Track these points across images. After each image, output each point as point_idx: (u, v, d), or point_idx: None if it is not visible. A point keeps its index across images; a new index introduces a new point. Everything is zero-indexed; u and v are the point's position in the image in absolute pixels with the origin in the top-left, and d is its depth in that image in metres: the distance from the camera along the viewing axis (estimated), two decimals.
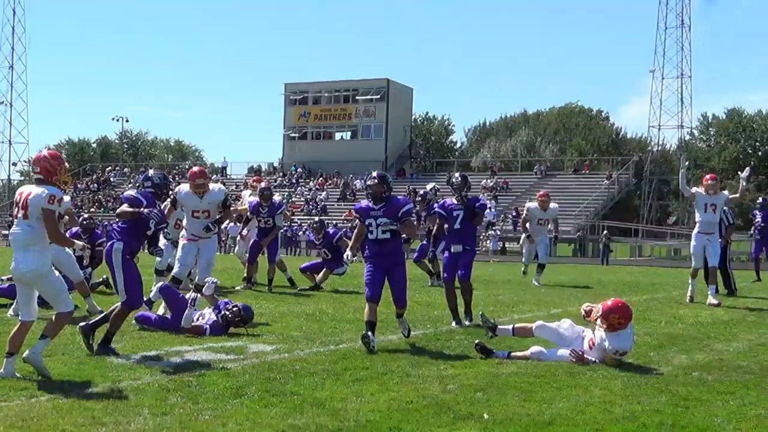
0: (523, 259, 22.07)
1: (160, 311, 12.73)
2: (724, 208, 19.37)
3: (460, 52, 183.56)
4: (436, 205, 13.74)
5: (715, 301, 16.55)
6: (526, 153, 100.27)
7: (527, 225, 22.19)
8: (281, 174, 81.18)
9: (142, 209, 10.35)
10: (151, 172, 11.62)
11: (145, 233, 10.58)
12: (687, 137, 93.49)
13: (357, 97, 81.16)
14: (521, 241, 21.68)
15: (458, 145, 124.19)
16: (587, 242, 62.68)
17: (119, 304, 10.43)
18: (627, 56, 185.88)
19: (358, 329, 12.21)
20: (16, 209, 8.59)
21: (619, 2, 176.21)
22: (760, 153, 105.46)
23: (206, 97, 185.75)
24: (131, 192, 11.14)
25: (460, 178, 13.50)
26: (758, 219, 25.23)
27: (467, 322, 13.19)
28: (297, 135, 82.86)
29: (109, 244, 10.72)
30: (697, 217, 16.31)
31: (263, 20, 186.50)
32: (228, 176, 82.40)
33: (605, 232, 51.98)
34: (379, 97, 79.85)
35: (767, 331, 13.05)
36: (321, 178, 77.17)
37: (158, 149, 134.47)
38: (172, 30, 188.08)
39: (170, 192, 12.59)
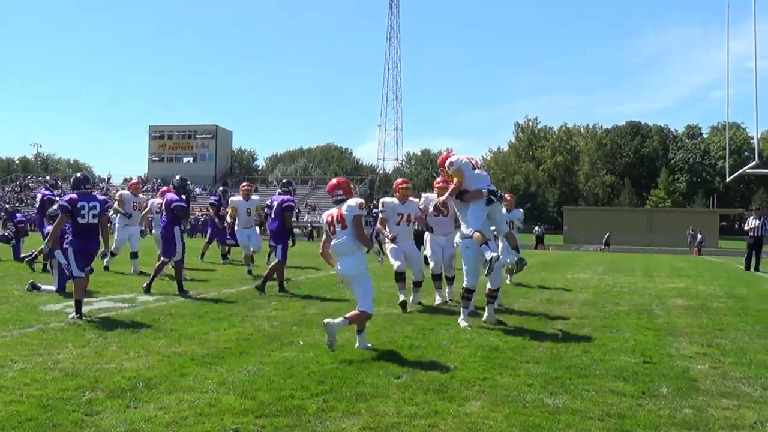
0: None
1: None
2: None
3: (261, 107, 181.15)
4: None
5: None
6: (302, 173, 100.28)
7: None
8: (147, 184, 78.21)
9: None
10: (176, 178, 11.32)
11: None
12: (399, 166, 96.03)
13: (197, 136, 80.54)
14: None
15: (260, 166, 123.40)
16: None
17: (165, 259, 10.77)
18: (364, 115, 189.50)
19: (209, 286, 11.60)
20: None
21: (363, 83, 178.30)
22: (439, 177, 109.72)
23: (94, 130, 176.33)
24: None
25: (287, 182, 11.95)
26: None
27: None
28: (157, 158, 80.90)
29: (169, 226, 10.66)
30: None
31: (136, 79, 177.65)
32: (111, 184, 78.89)
33: None
34: (210, 136, 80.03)
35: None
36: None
37: (62, 165, 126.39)
38: (71, 80, 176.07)
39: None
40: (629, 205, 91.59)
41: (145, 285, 10.60)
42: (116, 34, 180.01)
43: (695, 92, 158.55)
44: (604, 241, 46.34)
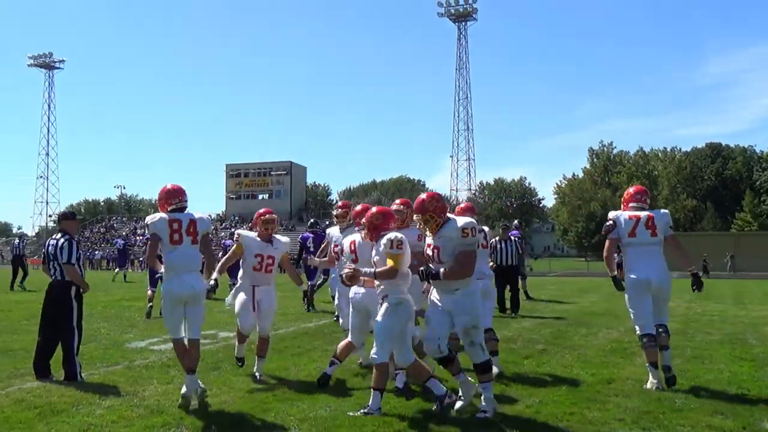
0: None
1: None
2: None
3: (334, 142, 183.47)
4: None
5: None
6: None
7: None
8: (225, 221, 79.97)
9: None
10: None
11: None
12: (472, 196, 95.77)
13: (272, 173, 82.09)
14: None
15: (335, 201, 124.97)
16: None
17: None
18: (435, 146, 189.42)
19: (287, 320, 11.66)
20: None
21: (433, 114, 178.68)
22: (514, 205, 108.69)
23: (173, 170, 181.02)
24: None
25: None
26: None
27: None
28: (234, 196, 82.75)
29: None
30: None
31: (212, 118, 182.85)
32: None
33: None
34: (285, 172, 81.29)
35: (538, 320, 12.85)
36: (250, 223, 76.47)
37: (144, 205, 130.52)
38: (150, 122, 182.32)
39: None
40: (713, 229, 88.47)
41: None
42: (193, 76, 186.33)
43: None
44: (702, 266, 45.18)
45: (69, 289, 6.92)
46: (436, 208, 5.50)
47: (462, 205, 7.68)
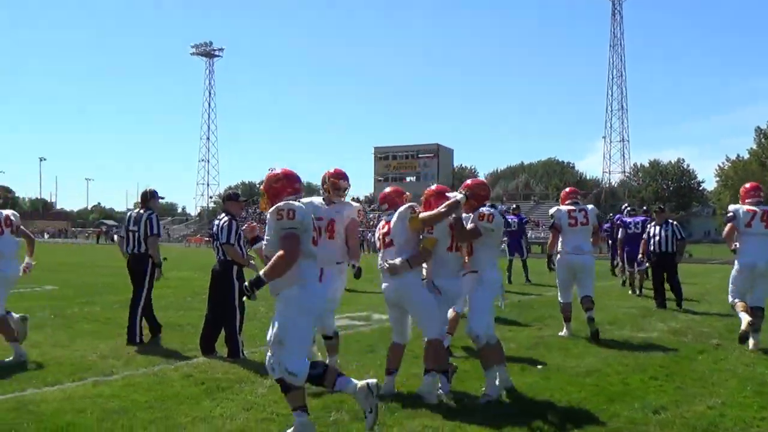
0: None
1: None
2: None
3: (482, 123, 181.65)
4: None
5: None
6: (524, 188, 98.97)
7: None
8: (373, 203, 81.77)
9: None
10: None
11: None
12: (626, 179, 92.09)
13: (419, 155, 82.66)
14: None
15: None
16: None
17: None
18: (587, 127, 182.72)
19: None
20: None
21: (583, 94, 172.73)
22: (671, 188, 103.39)
23: (328, 154, 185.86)
24: None
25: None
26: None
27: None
28: (382, 178, 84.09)
29: None
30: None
31: (358, 107, 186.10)
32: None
33: None
34: (432, 155, 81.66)
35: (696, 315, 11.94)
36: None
37: None
38: (305, 105, 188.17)
39: None
40: None
41: None
42: (342, 62, 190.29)
43: None
44: None
45: (231, 269, 7.07)
46: (272, 188, 4.57)
47: (567, 189, 8.86)
